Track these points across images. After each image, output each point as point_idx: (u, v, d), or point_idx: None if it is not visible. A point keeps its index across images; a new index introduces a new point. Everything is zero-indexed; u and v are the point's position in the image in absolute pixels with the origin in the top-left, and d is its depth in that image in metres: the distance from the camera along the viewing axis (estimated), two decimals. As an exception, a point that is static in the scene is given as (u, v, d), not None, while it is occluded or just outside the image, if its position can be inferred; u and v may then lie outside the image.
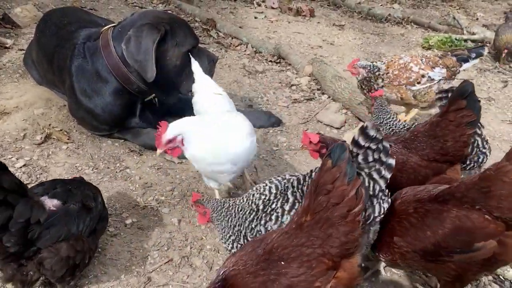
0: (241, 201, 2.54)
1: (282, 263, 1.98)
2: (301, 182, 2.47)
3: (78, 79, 3.69)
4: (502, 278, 2.89)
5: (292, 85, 4.93)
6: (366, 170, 2.22)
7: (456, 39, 6.25)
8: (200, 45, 5.51)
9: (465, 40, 6.35)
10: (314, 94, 4.77)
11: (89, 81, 3.67)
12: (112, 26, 3.68)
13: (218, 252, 2.90)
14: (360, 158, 2.19)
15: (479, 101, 2.80)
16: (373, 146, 2.18)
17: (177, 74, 3.60)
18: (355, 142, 2.18)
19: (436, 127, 2.83)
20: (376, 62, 3.94)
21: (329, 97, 4.66)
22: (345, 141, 2.10)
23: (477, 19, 7.53)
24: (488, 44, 6.29)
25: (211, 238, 2.99)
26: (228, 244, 2.49)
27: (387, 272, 2.84)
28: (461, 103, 2.73)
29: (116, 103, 3.68)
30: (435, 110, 4.04)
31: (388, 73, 3.83)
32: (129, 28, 3.50)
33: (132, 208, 3.18)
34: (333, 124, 4.26)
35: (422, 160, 2.81)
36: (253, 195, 2.53)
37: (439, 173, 2.83)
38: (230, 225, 2.47)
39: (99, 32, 3.73)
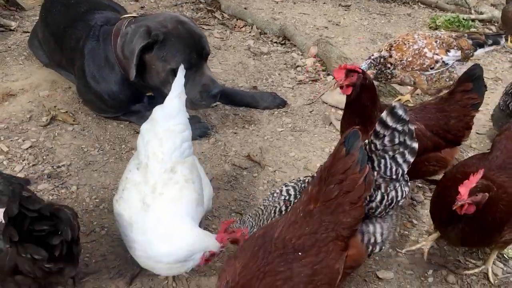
0: (265, 208, 2.48)
1: (300, 253, 1.95)
2: None
3: (88, 62, 3.69)
4: (506, 257, 2.90)
5: (297, 66, 4.90)
6: (390, 153, 2.20)
7: (463, 18, 6.15)
8: (204, 26, 5.59)
9: (473, 20, 6.25)
10: (319, 75, 4.74)
11: (99, 66, 3.67)
12: (132, 17, 3.66)
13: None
14: (386, 140, 2.17)
15: (486, 85, 2.91)
16: (400, 128, 2.15)
17: (162, 85, 3.46)
18: (382, 122, 2.15)
19: (445, 102, 2.89)
20: (373, 54, 3.86)
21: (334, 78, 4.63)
22: (358, 127, 2.07)
23: (485, -2, 7.41)
24: (496, 24, 6.21)
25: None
26: None
27: (391, 252, 2.86)
28: (468, 85, 2.83)
29: (122, 91, 3.68)
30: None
31: (402, 60, 3.78)
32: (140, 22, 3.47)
33: (138, 188, 3.20)
34: (338, 105, 4.24)
35: (426, 130, 2.82)
36: (271, 199, 2.49)
37: (437, 150, 2.86)
38: None
39: (118, 18, 3.72)
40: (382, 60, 3.79)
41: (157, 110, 2.45)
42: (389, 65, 3.80)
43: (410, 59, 3.78)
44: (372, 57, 3.84)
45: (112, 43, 3.55)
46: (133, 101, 3.76)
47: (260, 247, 1.97)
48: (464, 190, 2.20)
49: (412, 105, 3.89)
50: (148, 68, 3.45)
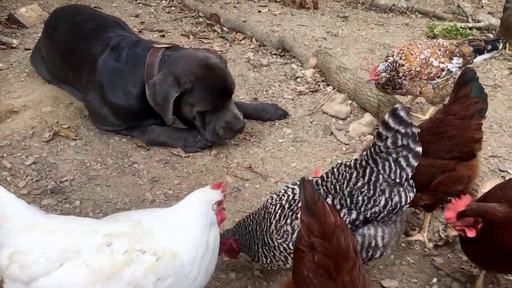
0: (259, 212, 2.52)
1: None
2: (325, 179, 2.39)
3: (110, 79, 3.75)
4: None
5: (297, 77, 4.94)
6: (394, 156, 2.18)
7: (461, 27, 6.20)
8: (203, 40, 5.64)
9: (470, 28, 6.30)
10: (319, 85, 4.78)
11: (124, 86, 3.75)
12: (164, 47, 3.79)
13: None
14: (389, 141, 2.15)
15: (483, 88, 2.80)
16: (402, 130, 2.13)
17: (193, 119, 3.74)
18: (385, 124, 2.15)
19: (440, 123, 2.74)
20: (389, 58, 3.85)
21: (334, 88, 4.66)
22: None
23: (482, 6, 7.47)
24: (493, 32, 6.25)
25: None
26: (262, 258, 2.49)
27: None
28: (468, 88, 2.71)
29: (140, 110, 3.79)
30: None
31: (410, 70, 3.77)
32: (171, 64, 3.63)
33: (140, 202, 3.21)
34: (338, 115, 4.27)
35: (428, 159, 2.61)
36: (273, 200, 2.49)
37: (450, 171, 2.69)
38: (254, 239, 2.48)
39: (147, 44, 3.86)
40: (396, 65, 3.78)
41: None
42: (400, 74, 3.79)
43: (418, 69, 3.78)
44: (389, 60, 3.83)
45: (146, 71, 3.67)
46: (146, 118, 3.86)
47: None
48: (450, 214, 2.25)
49: (422, 118, 3.91)
50: (177, 108, 3.67)
